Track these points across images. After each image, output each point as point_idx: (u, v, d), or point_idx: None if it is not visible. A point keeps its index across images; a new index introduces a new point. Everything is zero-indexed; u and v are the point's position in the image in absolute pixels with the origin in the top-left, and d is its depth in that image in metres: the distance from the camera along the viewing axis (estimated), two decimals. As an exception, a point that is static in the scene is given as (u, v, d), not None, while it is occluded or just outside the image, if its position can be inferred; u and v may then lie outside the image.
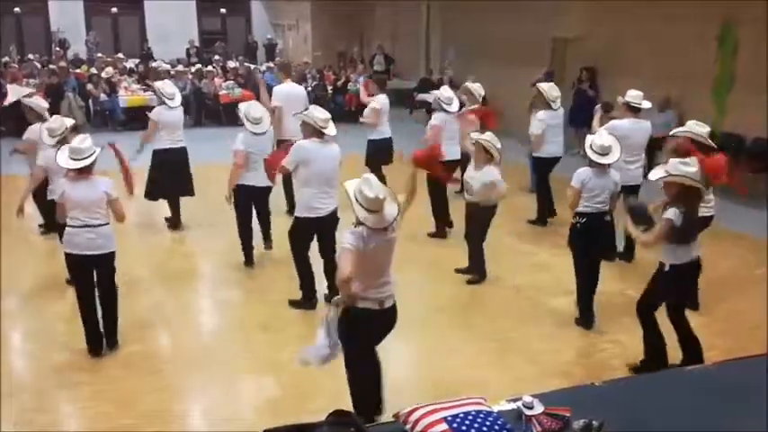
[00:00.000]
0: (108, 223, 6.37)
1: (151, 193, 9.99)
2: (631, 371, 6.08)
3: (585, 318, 7.07)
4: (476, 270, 8.22)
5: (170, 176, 9.88)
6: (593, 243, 6.98)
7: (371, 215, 4.81)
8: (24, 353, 6.70)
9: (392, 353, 6.69)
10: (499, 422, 3.29)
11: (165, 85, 10.24)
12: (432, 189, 9.32)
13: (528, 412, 3.45)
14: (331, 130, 7.15)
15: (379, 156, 10.79)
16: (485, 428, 3.23)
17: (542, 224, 10.26)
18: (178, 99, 9.95)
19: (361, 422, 3.46)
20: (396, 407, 3.75)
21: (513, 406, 3.54)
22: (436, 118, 9.60)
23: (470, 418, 3.28)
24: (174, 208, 10.22)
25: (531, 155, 10.45)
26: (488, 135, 7.95)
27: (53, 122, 7.53)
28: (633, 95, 8.60)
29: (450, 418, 3.27)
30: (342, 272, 4.76)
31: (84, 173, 6.23)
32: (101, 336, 6.51)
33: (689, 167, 5.63)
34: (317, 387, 5.72)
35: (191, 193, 10.18)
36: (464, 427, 3.22)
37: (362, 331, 5.14)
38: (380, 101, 10.86)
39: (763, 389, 3.80)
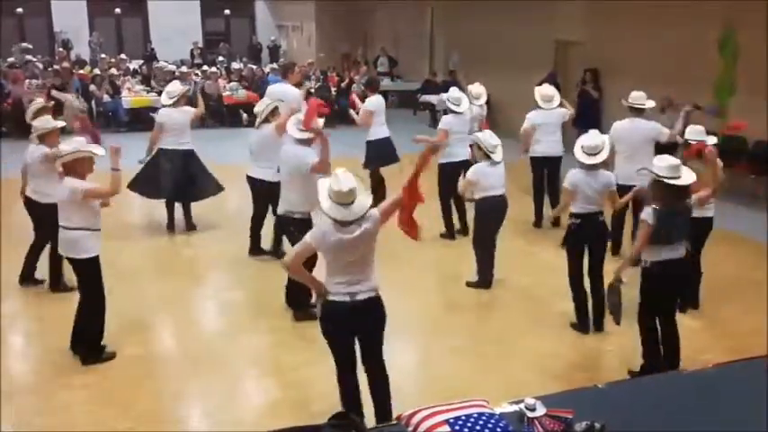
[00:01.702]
0: (78, 228, 6.17)
1: (139, 189, 9.91)
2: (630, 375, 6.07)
3: (582, 322, 7.04)
4: (479, 275, 8.18)
5: (170, 178, 9.80)
6: (588, 244, 6.97)
7: (338, 207, 4.77)
8: (24, 355, 6.71)
9: (394, 355, 6.70)
10: (501, 424, 3.29)
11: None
12: (441, 192, 9.42)
13: (530, 414, 3.45)
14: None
15: (374, 156, 10.82)
16: (487, 431, 3.24)
17: (537, 226, 10.31)
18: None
19: (363, 424, 3.47)
20: (398, 409, 3.76)
21: (515, 408, 3.54)
22: (444, 121, 9.61)
23: (472, 420, 3.28)
24: (170, 210, 10.12)
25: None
26: (487, 133, 8.02)
27: (38, 121, 7.58)
28: (634, 96, 8.75)
29: (452, 421, 3.27)
30: (289, 260, 5.02)
31: (62, 174, 6.22)
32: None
33: (660, 162, 5.69)
34: (319, 389, 5.72)
35: (190, 198, 10.12)
36: (466, 430, 3.22)
37: (333, 324, 5.05)
38: (372, 102, 10.89)
39: (762, 391, 3.81)
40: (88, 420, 5.55)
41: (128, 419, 5.50)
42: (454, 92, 9.89)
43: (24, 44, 26.08)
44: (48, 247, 7.82)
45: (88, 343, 6.39)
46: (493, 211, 7.99)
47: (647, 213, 5.68)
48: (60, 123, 7.86)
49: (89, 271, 6.28)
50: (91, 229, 6.20)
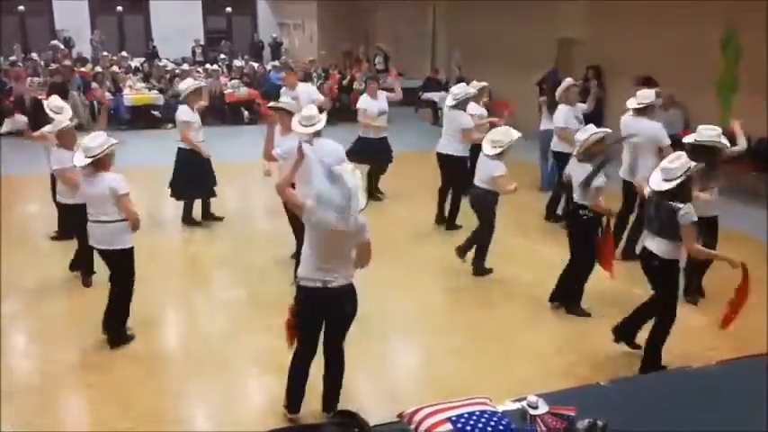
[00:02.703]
0: (121, 220, 6.39)
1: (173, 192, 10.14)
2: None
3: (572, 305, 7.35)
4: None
5: (184, 176, 9.88)
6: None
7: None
8: (25, 354, 6.69)
9: (396, 352, 6.71)
10: (504, 422, 3.29)
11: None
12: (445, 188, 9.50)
13: (532, 412, 3.45)
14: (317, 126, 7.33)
15: (356, 151, 10.82)
16: (489, 428, 3.23)
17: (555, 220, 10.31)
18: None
19: (366, 422, 3.47)
20: (399, 407, 3.75)
21: (517, 406, 3.54)
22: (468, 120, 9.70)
23: (475, 417, 3.28)
24: (186, 205, 10.21)
25: (552, 150, 10.49)
26: (503, 129, 8.13)
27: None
28: (639, 95, 8.65)
29: (454, 418, 3.27)
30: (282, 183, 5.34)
31: (93, 170, 6.29)
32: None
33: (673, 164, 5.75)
34: (321, 388, 5.70)
35: (201, 195, 10.16)
36: (468, 427, 3.22)
37: (305, 309, 5.17)
38: (361, 101, 11.00)
39: (763, 389, 3.81)
40: (89, 420, 5.55)
41: (128, 419, 5.48)
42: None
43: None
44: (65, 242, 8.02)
45: (116, 329, 6.65)
46: None
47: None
48: (67, 118, 7.93)
49: (127, 261, 6.57)
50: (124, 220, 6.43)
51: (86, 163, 6.27)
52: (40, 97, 15.65)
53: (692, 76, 12.27)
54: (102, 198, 6.32)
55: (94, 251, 6.76)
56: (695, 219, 5.65)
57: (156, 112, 18.02)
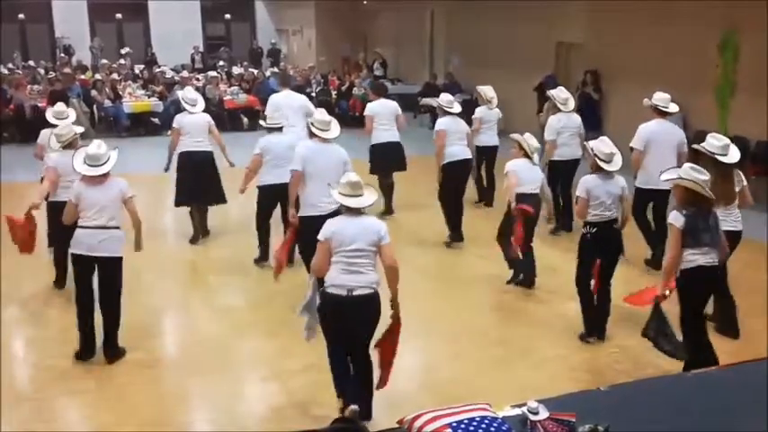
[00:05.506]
0: (119, 227, 6.42)
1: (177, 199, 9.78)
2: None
3: (589, 331, 6.88)
4: (521, 273, 8.13)
5: (192, 181, 9.62)
6: (603, 252, 6.72)
7: (347, 196, 5.31)
8: (24, 361, 6.69)
9: (398, 358, 6.70)
10: (504, 428, 3.29)
11: (187, 92, 10.31)
12: (443, 196, 9.46)
13: (533, 417, 3.44)
14: (331, 132, 7.35)
15: (378, 161, 10.81)
16: (489, 434, 3.23)
17: (567, 229, 10.00)
18: (200, 106, 9.87)
19: (365, 428, 3.47)
20: (400, 412, 3.74)
21: (518, 411, 3.54)
22: (440, 123, 9.63)
23: (475, 423, 3.28)
24: (192, 216, 9.87)
25: (548, 160, 10.36)
26: (527, 135, 8.05)
27: (61, 129, 7.67)
28: (660, 98, 8.48)
29: (455, 424, 3.27)
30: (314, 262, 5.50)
31: (100, 177, 6.33)
32: (94, 342, 6.46)
33: (700, 174, 5.60)
34: (321, 394, 5.71)
35: (213, 201, 9.90)
36: (469, 434, 3.22)
37: (330, 317, 5.35)
38: (369, 108, 10.97)
39: (764, 393, 3.80)
40: (89, 426, 5.56)
41: (129, 425, 5.49)
42: (446, 96, 9.97)
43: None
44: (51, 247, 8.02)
45: (113, 340, 6.51)
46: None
47: (675, 217, 5.61)
48: (80, 129, 8.00)
49: (121, 267, 6.51)
50: None
51: (103, 172, 6.31)
52: (40, 105, 15.71)
53: (692, 78, 12.27)
54: (113, 203, 6.36)
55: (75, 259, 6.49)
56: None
57: (155, 119, 18.03)
